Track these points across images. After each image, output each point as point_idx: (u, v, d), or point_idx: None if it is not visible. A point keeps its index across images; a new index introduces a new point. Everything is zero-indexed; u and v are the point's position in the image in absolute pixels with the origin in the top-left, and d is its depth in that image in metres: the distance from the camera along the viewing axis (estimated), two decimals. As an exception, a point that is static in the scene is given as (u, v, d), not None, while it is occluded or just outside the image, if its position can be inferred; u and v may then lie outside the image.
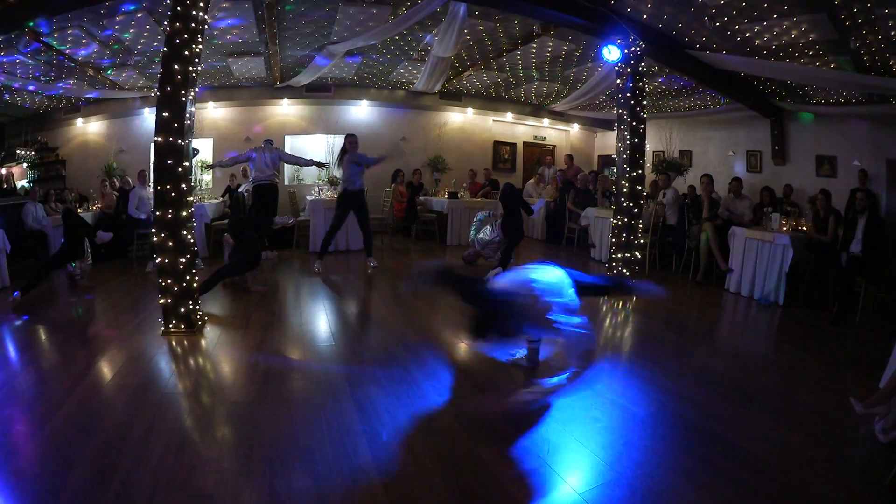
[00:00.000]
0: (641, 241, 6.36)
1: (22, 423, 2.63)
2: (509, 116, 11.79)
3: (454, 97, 10.95)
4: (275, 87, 9.70)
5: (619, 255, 5.94)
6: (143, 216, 7.26)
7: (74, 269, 5.81)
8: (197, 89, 4.25)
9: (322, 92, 10.14)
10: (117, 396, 3.00)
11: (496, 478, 2.23)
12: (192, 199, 4.22)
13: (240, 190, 8.53)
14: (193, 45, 4.03)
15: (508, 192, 6.82)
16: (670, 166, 8.27)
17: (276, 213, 7.24)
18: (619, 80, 6.00)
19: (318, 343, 4.05)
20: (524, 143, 12.28)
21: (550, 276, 3.16)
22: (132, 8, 5.70)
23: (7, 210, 6.96)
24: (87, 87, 8.42)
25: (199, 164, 9.04)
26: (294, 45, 7.61)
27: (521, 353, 3.57)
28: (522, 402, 3.03)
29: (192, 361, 3.67)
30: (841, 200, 6.45)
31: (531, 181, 10.73)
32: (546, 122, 12.22)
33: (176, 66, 3.97)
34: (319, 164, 7.62)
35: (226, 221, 7.12)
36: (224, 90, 9.73)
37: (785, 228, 5.74)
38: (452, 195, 9.04)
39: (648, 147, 7.54)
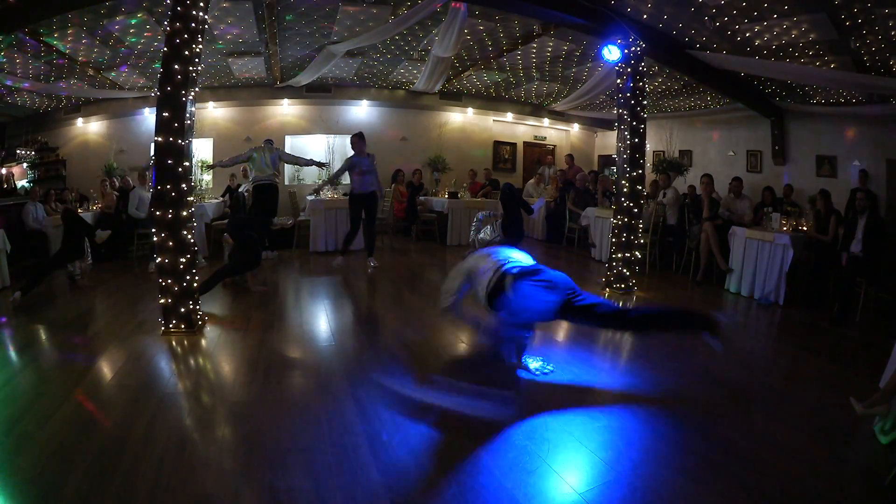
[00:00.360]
0: (641, 241, 6.35)
1: (22, 422, 2.63)
2: (509, 116, 11.80)
3: (454, 97, 10.95)
4: (275, 87, 9.70)
5: (619, 255, 5.93)
6: (143, 216, 7.27)
7: (74, 269, 5.82)
8: (196, 89, 4.25)
9: (322, 92, 10.14)
10: (117, 396, 3.00)
11: (496, 478, 2.23)
12: (192, 198, 4.22)
13: (240, 190, 8.54)
14: (193, 45, 4.03)
15: (508, 191, 6.81)
16: (670, 166, 8.27)
17: (277, 214, 7.24)
18: (619, 80, 5.99)
19: (319, 343, 4.05)
20: (524, 142, 12.28)
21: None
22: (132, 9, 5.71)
23: (7, 210, 6.96)
24: (87, 86, 8.42)
25: (200, 164, 9.05)
26: (294, 45, 7.61)
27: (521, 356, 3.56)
28: (523, 402, 3.03)
29: (192, 361, 3.67)
30: (841, 200, 6.45)
31: (531, 181, 10.73)
32: (546, 121, 12.22)
33: (176, 66, 3.97)
34: (319, 164, 7.62)
35: (226, 221, 7.13)
36: (224, 90, 9.73)
37: (785, 228, 5.75)
38: (452, 195, 9.05)
39: (648, 147, 7.54)
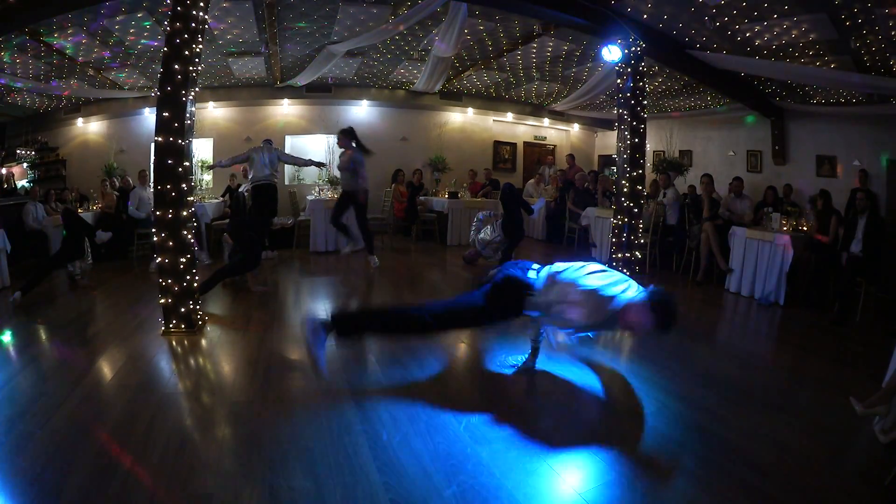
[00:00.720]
0: (642, 240, 6.36)
1: (22, 422, 2.63)
2: (510, 116, 11.79)
3: (454, 97, 10.95)
4: (275, 87, 9.70)
5: (619, 255, 5.93)
6: (143, 216, 7.26)
7: (74, 269, 5.82)
8: (197, 89, 4.25)
9: (322, 92, 10.14)
10: (117, 396, 3.00)
11: (496, 477, 2.23)
12: (192, 198, 4.22)
13: (240, 190, 8.54)
14: (194, 45, 4.04)
15: (508, 191, 6.83)
16: (670, 166, 8.27)
17: (276, 214, 7.25)
18: (619, 80, 6.00)
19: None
20: (524, 142, 12.28)
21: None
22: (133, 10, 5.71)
23: (7, 210, 6.96)
24: (87, 86, 8.42)
25: (200, 164, 9.05)
26: (294, 45, 7.61)
27: (521, 357, 3.56)
28: (523, 402, 3.03)
29: (192, 361, 3.68)
30: (841, 200, 6.45)
31: (531, 181, 10.74)
32: (546, 121, 12.22)
33: (176, 66, 3.97)
34: (318, 164, 7.63)
35: (226, 221, 7.13)
36: (224, 90, 9.73)
37: (785, 228, 5.75)
38: (453, 195, 9.05)
39: (649, 147, 7.54)
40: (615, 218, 6.10)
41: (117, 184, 8.34)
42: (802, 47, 5.86)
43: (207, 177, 9.80)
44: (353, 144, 6.68)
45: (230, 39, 7.12)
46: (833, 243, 5.60)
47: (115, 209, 7.75)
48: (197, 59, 4.14)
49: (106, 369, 3.39)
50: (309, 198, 8.34)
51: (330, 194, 8.28)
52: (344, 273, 6.63)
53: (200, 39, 4.15)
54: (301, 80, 9.12)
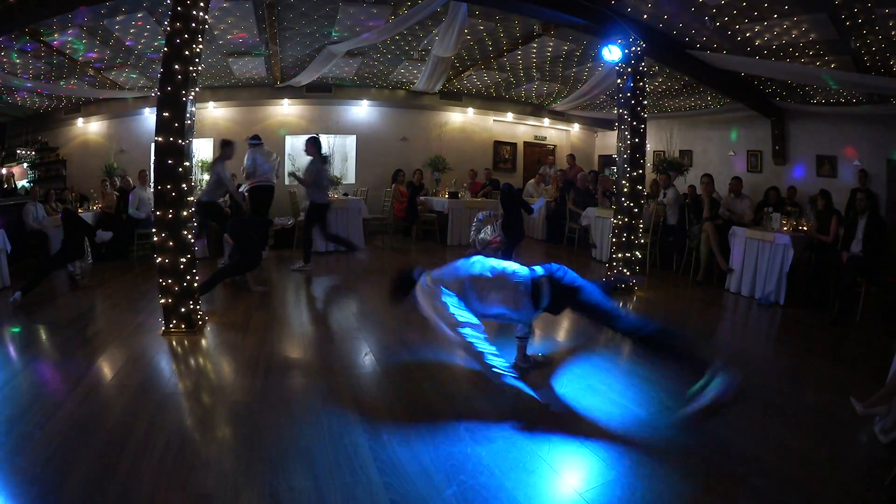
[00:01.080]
0: (642, 240, 6.36)
1: (22, 422, 2.63)
2: (510, 116, 11.79)
3: (454, 97, 10.95)
4: (275, 87, 9.70)
5: (619, 255, 5.93)
6: (143, 216, 7.25)
7: (75, 269, 5.82)
8: (197, 89, 4.25)
9: (322, 92, 10.14)
10: (118, 396, 3.00)
11: (496, 477, 2.23)
12: (192, 198, 4.22)
13: (240, 190, 8.53)
14: (194, 45, 4.04)
15: (508, 192, 6.82)
16: (671, 166, 8.27)
17: (267, 215, 7.22)
18: (619, 80, 5.99)
19: (319, 343, 4.05)
20: (525, 142, 12.28)
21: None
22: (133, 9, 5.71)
23: (7, 210, 6.96)
24: (87, 86, 8.42)
25: (200, 164, 9.05)
26: (294, 45, 7.61)
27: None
28: (523, 402, 3.03)
29: (192, 361, 3.68)
30: (841, 200, 6.45)
31: (532, 181, 10.74)
32: (546, 121, 12.22)
33: (176, 66, 3.97)
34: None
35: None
36: (224, 90, 9.73)
37: (785, 228, 5.74)
38: (453, 195, 9.05)
39: (649, 147, 7.53)
40: (615, 218, 6.09)
41: (118, 183, 8.34)
42: (802, 47, 5.86)
43: (207, 176, 9.79)
44: (318, 154, 6.60)
45: (230, 39, 7.12)
46: (833, 243, 5.59)
47: (115, 209, 7.75)
48: (197, 60, 4.14)
49: (106, 369, 3.39)
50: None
51: (330, 194, 8.27)
52: (344, 273, 6.63)
53: (200, 39, 4.15)
54: (301, 80, 9.12)
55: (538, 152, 12.35)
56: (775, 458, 2.45)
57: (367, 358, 3.69)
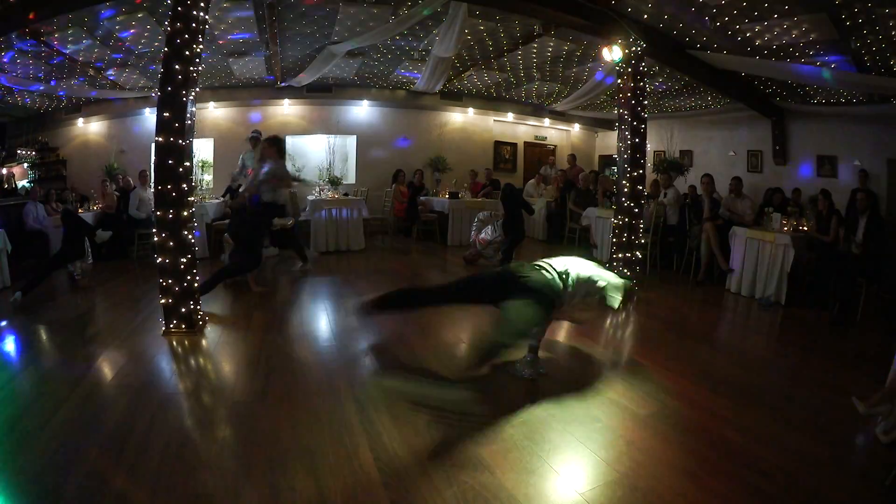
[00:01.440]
0: (642, 241, 6.35)
1: (22, 422, 2.63)
2: (510, 116, 11.79)
3: (455, 97, 10.95)
4: (275, 88, 9.70)
5: (619, 255, 5.93)
6: (143, 216, 7.25)
7: (75, 270, 5.82)
8: (197, 89, 4.25)
9: (323, 92, 10.14)
10: (118, 396, 3.00)
11: (497, 477, 2.23)
12: (192, 198, 4.22)
13: (240, 191, 8.52)
14: (194, 46, 4.04)
15: (508, 192, 6.83)
16: (671, 166, 8.27)
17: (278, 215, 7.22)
18: (619, 81, 5.99)
19: (319, 343, 4.05)
20: (525, 143, 12.28)
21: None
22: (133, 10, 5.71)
23: (8, 210, 6.96)
24: (87, 86, 8.42)
25: (201, 165, 9.05)
26: (295, 45, 7.61)
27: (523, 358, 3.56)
28: (524, 402, 3.03)
29: (192, 361, 3.68)
30: (842, 200, 6.45)
31: (532, 181, 10.74)
32: (547, 121, 12.22)
33: (177, 66, 3.97)
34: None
35: (226, 222, 7.12)
36: (225, 90, 9.74)
37: (786, 229, 5.74)
38: (453, 195, 9.05)
39: (649, 147, 7.53)
40: (616, 218, 6.09)
41: (120, 182, 8.35)
42: (803, 47, 5.86)
43: (208, 177, 9.80)
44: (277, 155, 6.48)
45: (230, 40, 7.12)
46: (834, 243, 5.59)
47: (115, 209, 7.76)
48: (197, 60, 4.13)
49: (106, 369, 3.39)
50: (309, 198, 8.34)
51: (330, 194, 8.29)
52: (344, 273, 6.63)
53: (201, 40, 4.15)
54: (302, 80, 9.12)
55: (539, 152, 12.35)
56: (775, 458, 2.45)
57: (367, 358, 3.68)
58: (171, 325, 4.07)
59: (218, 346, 3.92)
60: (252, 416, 2.77)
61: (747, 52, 6.35)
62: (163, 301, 4.07)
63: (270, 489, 2.13)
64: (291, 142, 10.39)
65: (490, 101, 11.34)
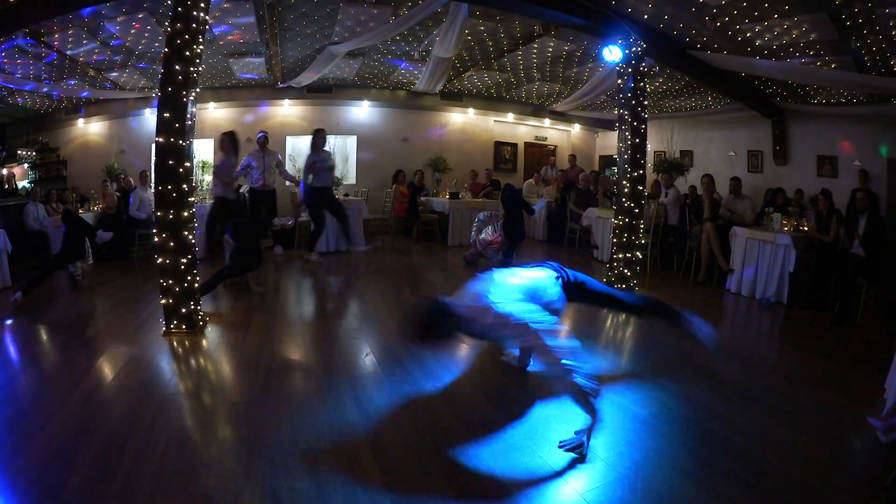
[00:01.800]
0: (643, 241, 6.35)
1: (23, 423, 2.63)
2: (510, 117, 11.80)
3: (455, 97, 10.95)
4: (276, 88, 9.71)
5: (620, 256, 5.93)
6: (144, 217, 7.25)
7: (75, 270, 5.82)
8: (197, 89, 4.25)
9: (323, 92, 10.15)
10: (118, 397, 3.00)
11: (497, 477, 2.23)
12: (193, 199, 4.22)
13: (240, 191, 8.54)
14: (194, 46, 4.04)
15: (509, 192, 6.83)
16: (671, 166, 8.27)
17: (276, 214, 7.24)
18: (620, 81, 5.99)
19: (319, 343, 4.05)
20: (525, 143, 12.28)
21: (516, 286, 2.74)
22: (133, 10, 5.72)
23: (8, 210, 6.97)
24: (87, 87, 8.43)
25: (201, 165, 9.06)
26: (295, 46, 7.62)
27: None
28: (524, 402, 3.03)
29: (193, 362, 3.68)
30: (842, 200, 6.44)
31: (530, 180, 10.75)
32: (547, 122, 12.22)
33: (177, 67, 3.97)
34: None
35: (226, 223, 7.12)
36: (225, 90, 9.74)
37: (786, 229, 5.74)
38: (454, 196, 9.05)
39: (650, 147, 7.54)
40: (616, 218, 6.09)
41: (121, 183, 8.36)
42: (803, 47, 5.86)
43: (208, 177, 9.80)
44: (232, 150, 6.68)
45: (231, 40, 7.13)
46: (834, 243, 5.59)
47: (116, 210, 7.76)
48: (198, 60, 4.14)
49: (106, 370, 3.39)
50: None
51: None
52: (344, 273, 6.63)
53: (201, 40, 4.15)
54: (302, 80, 9.13)
55: (539, 153, 12.36)
56: (775, 458, 2.45)
57: (367, 358, 3.69)
58: (172, 326, 4.07)
59: (218, 346, 3.92)
60: (252, 417, 2.77)
61: (748, 52, 6.35)
62: (163, 301, 4.08)
63: (271, 489, 2.13)
64: (292, 142, 10.43)
65: (490, 101, 11.35)
